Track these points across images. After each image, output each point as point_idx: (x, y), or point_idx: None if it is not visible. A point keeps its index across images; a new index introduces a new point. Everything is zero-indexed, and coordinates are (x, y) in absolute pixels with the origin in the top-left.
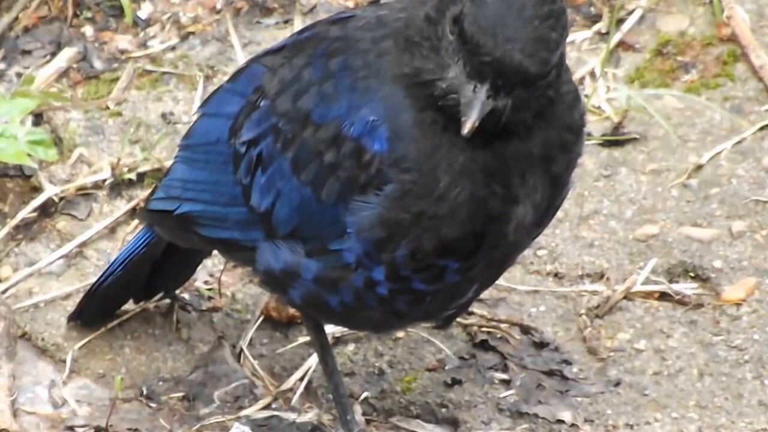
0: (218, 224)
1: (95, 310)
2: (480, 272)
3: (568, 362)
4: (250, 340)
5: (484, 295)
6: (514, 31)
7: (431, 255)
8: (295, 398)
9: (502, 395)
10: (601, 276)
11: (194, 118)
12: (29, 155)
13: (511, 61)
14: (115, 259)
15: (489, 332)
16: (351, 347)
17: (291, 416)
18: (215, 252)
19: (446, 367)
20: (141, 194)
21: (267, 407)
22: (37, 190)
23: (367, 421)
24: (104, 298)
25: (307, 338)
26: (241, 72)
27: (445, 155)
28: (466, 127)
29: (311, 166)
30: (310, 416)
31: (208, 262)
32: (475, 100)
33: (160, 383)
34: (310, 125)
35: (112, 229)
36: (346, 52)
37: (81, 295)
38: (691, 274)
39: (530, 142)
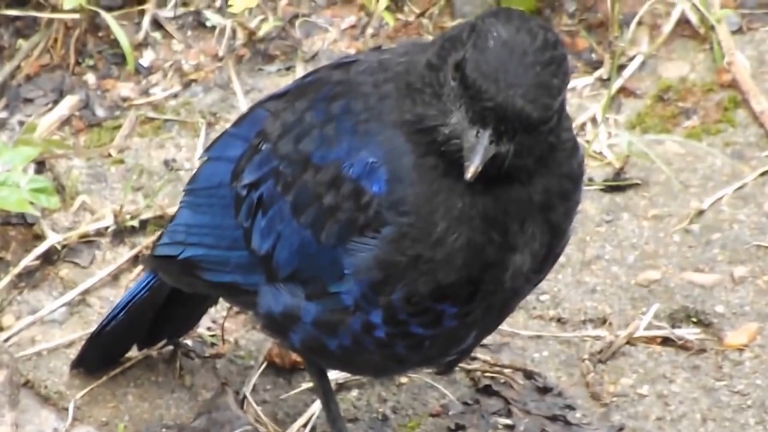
0: (220, 268)
1: (98, 356)
2: (478, 318)
3: (571, 407)
4: (254, 386)
5: (487, 340)
6: (516, 76)
7: (427, 299)
8: None
9: None
10: (603, 321)
11: (197, 164)
12: (32, 203)
13: (513, 107)
14: (118, 304)
15: (492, 377)
16: (354, 393)
17: None
18: (219, 298)
19: (450, 413)
20: (144, 241)
21: None
22: (39, 237)
23: None
24: (107, 344)
25: (311, 384)
26: (245, 116)
27: (444, 200)
28: (470, 172)
29: (311, 209)
30: None
31: (211, 309)
32: (478, 145)
33: (164, 430)
34: (310, 167)
35: (115, 277)
36: (347, 96)
37: (84, 343)
38: (694, 320)
39: (531, 188)
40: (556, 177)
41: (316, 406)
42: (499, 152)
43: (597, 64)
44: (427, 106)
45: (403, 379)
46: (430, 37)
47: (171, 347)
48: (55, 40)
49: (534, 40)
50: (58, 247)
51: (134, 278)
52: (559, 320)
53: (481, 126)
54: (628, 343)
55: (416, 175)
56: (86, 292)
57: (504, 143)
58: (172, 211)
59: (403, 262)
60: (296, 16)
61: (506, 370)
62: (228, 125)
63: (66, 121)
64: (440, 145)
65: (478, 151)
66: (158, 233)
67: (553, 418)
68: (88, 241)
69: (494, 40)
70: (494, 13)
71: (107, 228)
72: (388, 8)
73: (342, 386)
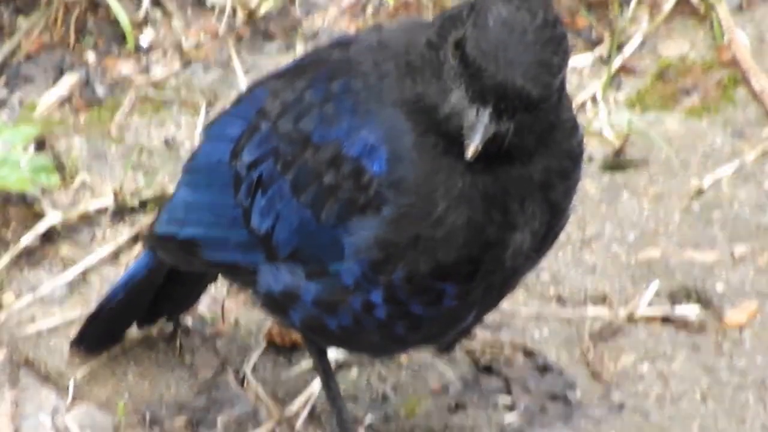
0: (220, 247)
1: (97, 335)
2: (478, 297)
3: (571, 386)
4: (254, 365)
5: (487, 319)
6: (516, 55)
7: (428, 278)
8: (299, 423)
9: (505, 420)
10: (603, 300)
11: (197, 143)
12: (32, 182)
13: (513, 85)
14: (117, 283)
15: (492, 356)
16: (354, 372)
17: None
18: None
19: (450, 392)
20: (144, 220)
21: None
22: (39, 216)
23: None
24: (106, 323)
25: (311, 363)
26: (244, 95)
27: (444, 179)
28: (470, 151)
29: (311, 188)
30: None
31: (211, 288)
32: (478, 123)
33: (164, 409)
34: (310, 146)
35: (115, 255)
36: (347, 75)
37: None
38: (694, 298)
39: (531, 167)
40: (556, 156)
41: (316, 385)
42: (499, 131)
43: (597, 43)
44: (427, 84)
45: (403, 358)
46: (431, 16)
47: (171, 326)
48: (55, 18)
49: (534, 18)
50: (58, 225)
51: (134, 257)
52: (559, 299)
53: (481, 104)
54: (628, 321)
55: (416, 155)
56: (86, 270)
57: (504, 122)
58: (172, 190)
59: (403, 242)
60: None
61: (506, 349)
62: (228, 104)
63: (66, 100)
64: (440, 123)
65: (478, 129)
66: (158, 212)
67: (553, 397)
68: (88, 219)
69: (494, 19)
70: None
71: (107, 207)
72: None
73: (342, 365)
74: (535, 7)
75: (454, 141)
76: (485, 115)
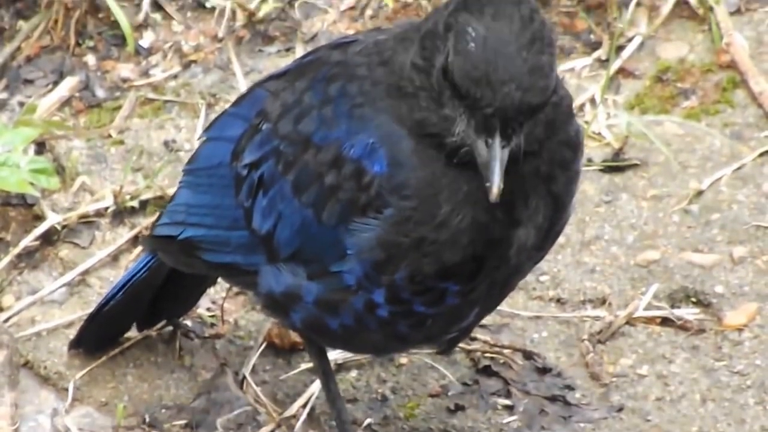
0: (220, 248)
1: (96, 337)
2: (481, 295)
3: (570, 388)
4: (253, 366)
5: (487, 320)
6: (506, 71)
7: (431, 278)
8: (299, 425)
9: (505, 421)
10: (603, 301)
11: (196, 145)
12: (32, 184)
13: (513, 102)
14: (116, 284)
15: (492, 358)
16: (354, 373)
17: None
18: (218, 279)
19: (449, 393)
20: (143, 222)
21: None
22: (39, 218)
23: None
24: (105, 324)
25: (310, 365)
26: (244, 96)
27: (448, 184)
28: (494, 194)
29: (312, 188)
30: None
31: (210, 289)
32: (492, 160)
33: (163, 411)
34: (311, 147)
35: (114, 257)
36: (344, 78)
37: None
38: (693, 300)
39: (539, 159)
40: (556, 145)
41: (316, 387)
42: (512, 149)
43: (596, 45)
44: (426, 111)
45: (403, 360)
46: None
47: (170, 328)
48: (56, 21)
49: (511, 23)
50: (58, 227)
51: (134, 259)
52: (558, 301)
53: (487, 135)
54: (627, 323)
55: (417, 160)
56: (86, 272)
57: (514, 138)
58: (172, 191)
59: (406, 243)
60: None
61: (506, 351)
62: (227, 106)
63: (66, 102)
64: (452, 154)
65: (494, 168)
66: (158, 214)
67: (553, 399)
68: (88, 221)
69: (474, 40)
70: (464, 4)
71: (107, 208)
72: None
73: (341, 366)
74: (510, 10)
75: (467, 164)
76: (495, 146)
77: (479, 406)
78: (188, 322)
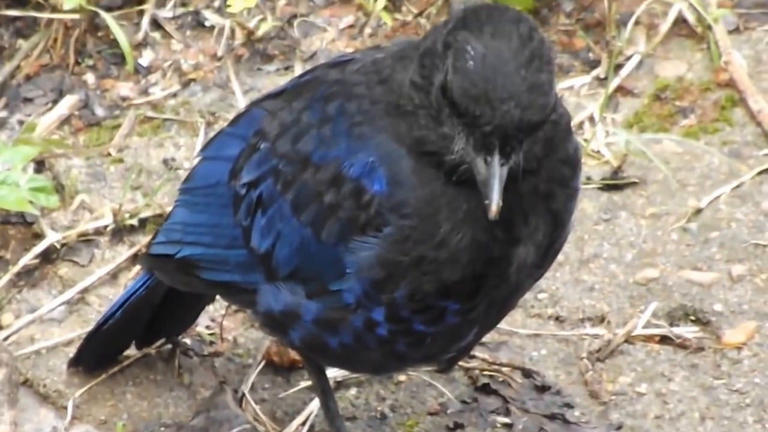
0: (219, 267)
1: (95, 354)
2: (480, 314)
3: (569, 406)
4: (252, 384)
5: (486, 338)
6: (505, 90)
7: (431, 297)
8: None
9: None
10: (601, 319)
11: (195, 163)
12: (31, 202)
13: (512, 120)
14: (115, 302)
15: (491, 376)
16: (353, 391)
17: None
18: (217, 297)
19: (448, 411)
20: (143, 240)
21: None
22: (38, 236)
23: None
24: (104, 342)
25: (309, 383)
26: (241, 115)
27: (447, 202)
28: (493, 211)
29: (311, 207)
30: None
31: (209, 307)
32: (491, 178)
33: (162, 429)
34: (310, 166)
35: (113, 275)
36: (342, 97)
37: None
38: (692, 318)
39: (537, 177)
40: (555, 163)
41: (315, 405)
42: (512, 168)
43: (594, 64)
44: (425, 129)
45: (402, 378)
46: None
47: (169, 346)
48: (55, 40)
49: (510, 41)
50: (58, 245)
51: (133, 277)
52: (557, 319)
53: (486, 153)
54: (626, 341)
55: (416, 179)
56: (85, 290)
57: (513, 156)
58: (170, 210)
59: (405, 262)
60: (295, 16)
61: (504, 369)
62: (225, 125)
63: (65, 121)
64: (450, 173)
65: (493, 186)
66: (155, 232)
67: (552, 417)
68: (87, 239)
69: (473, 58)
70: (463, 22)
71: (106, 227)
72: (385, 8)
73: (340, 384)
74: (507, 26)
75: (469, 184)
76: (494, 163)
77: (478, 424)
78: (187, 340)
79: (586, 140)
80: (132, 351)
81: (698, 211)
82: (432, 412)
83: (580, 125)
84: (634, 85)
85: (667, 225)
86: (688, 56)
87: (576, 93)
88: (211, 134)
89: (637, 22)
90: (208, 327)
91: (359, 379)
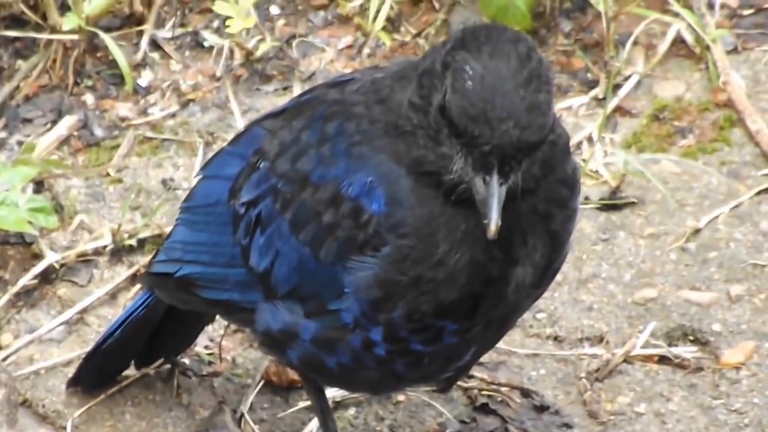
0: (217, 286)
1: (94, 375)
2: (478, 334)
3: (568, 426)
4: (251, 404)
5: (485, 358)
6: (504, 110)
7: (429, 316)
8: None
9: None
10: (600, 339)
11: (194, 183)
12: (30, 222)
13: (510, 140)
14: (114, 322)
15: (489, 396)
16: (352, 411)
17: None
18: (216, 317)
19: (447, 431)
20: (142, 260)
21: None
22: (37, 257)
23: None
24: (103, 362)
25: (308, 402)
26: (241, 135)
27: (445, 222)
28: (492, 231)
29: (310, 226)
30: None
31: (208, 327)
32: (490, 197)
33: None
34: (309, 186)
35: (113, 295)
36: (341, 116)
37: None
38: (690, 338)
39: (535, 197)
40: (553, 184)
41: (314, 425)
42: (510, 187)
43: (593, 84)
44: (423, 149)
45: (401, 397)
46: None
47: (168, 366)
48: (54, 60)
49: (508, 61)
50: (57, 266)
51: (132, 297)
52: (555, 338)
53: (485, 172)
54: (625, 361)
55: (415, 199)
56: (84, 310)
57: (512, 175)
58: (169, 230)
59: (403, 282)
60: (293, 37)
61: (503, 389)
62: (225, 144)
63: (64, 141)
64: (449, 192)
65: (492, 205)
66: (155, 251)
67: None
68: (86, 260)
69: (471, 78)
70: (461, 42)
71: (105, 247)
72: (384, 28)
73: (339, 404)
74: (506, 47)
75: (468, 204)
76: (493, 183)
77: None
78: (186, 360)
79: (584, 160)
80: (131, 371)
81: (697, 231)
82: None
83: (579, 145)
84: (632, 105)
85: (666, 245)
86: (687, 76)
87: (574, 113)
88: (210, 154)
89: (635, 43)
90: (207, 347)
91: (358, 399)
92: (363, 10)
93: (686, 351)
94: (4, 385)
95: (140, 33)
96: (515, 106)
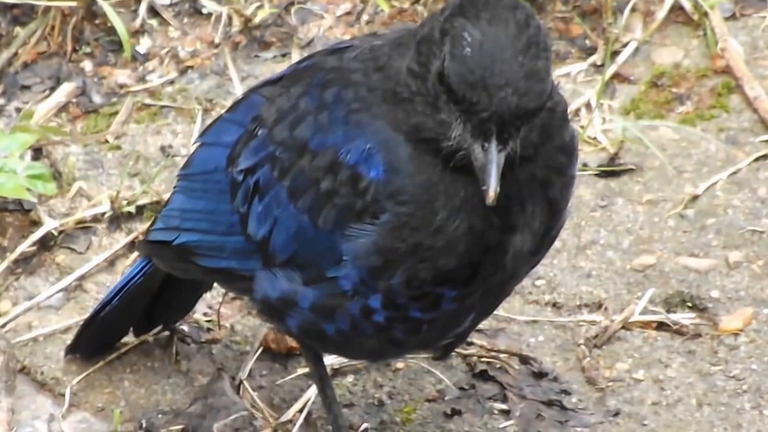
0: (216, 254)
1: (92, 342)
2: (477, 301)
3: (567, 392)
4: (250, 371)
5: (483, 325)
6: (502, 76)
7: (427, 283)
8: (295, 430)
9: (501, 425)
10: (599, 306)
11: (192, 150)
12: (28, 189)
13: (509, 107)
14: (112, 289)
15: (488, 362)
16: (350, 378)
17: None
18: (215, 284)
19: (446, 398)
20: (140, 227)
21: None
22: (36, 224)
23: None
24: (101, 329)
25: (307, 370)
26: (239, 102)
27: (444, 189)
28: (490, 197)
29: (308, 194)
30: None
31: (207, 294)
32: (488, 163)
33: (160, 416)
34: (307, 153)
35: (111, 262)
36: (339, 84)
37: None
38: (689, 304)
39: (534, 164)
40: (551, 151)
41: (312, 392)
42: (509, 154)
43: (591, 51)
44: (422, 116)
45: (399, 365)
46: None
47: (167, 333)
48: (52, 27)
49: (507, 28)
50: (55, 233)
51: (130, 264)
52: (554, 305)
53: (484, 139)
54: (623, 328)
55: (413, 166)
56: (83, 277)
57: (511, 142)
58: (168, 196)
59: (402, 249)
60: (292, 3)
61: (502, 356)
62: (223, 111)
63: (63, 108)
64: (448, 159)
65: (491, 171)
66: (153, 219)
67: (549, 403)
68: (84, 227)
69: (470, 45)
70: (460, 9)
71: (104, 214)
72: None
73: (338, 371)
74: (505, 15)
75: (463, 168)
76: (492, 149)
77: (476, 410)
78: (185, 327)
79: (582, 127)
80: (129, 338)
81: (695, 197)
82: (430, 399)
83: (577, 112)
84: (630, 71)
85: (664, 212)
86: (685, 43)
87: (572, 80)
88: (208, 121)
89: (633, 9)
90: (205, 314)
91: (357, 366)
92: None
93: (684, 317)
94: (2, 352)
95: (138, 0)
96: (514, 73)
